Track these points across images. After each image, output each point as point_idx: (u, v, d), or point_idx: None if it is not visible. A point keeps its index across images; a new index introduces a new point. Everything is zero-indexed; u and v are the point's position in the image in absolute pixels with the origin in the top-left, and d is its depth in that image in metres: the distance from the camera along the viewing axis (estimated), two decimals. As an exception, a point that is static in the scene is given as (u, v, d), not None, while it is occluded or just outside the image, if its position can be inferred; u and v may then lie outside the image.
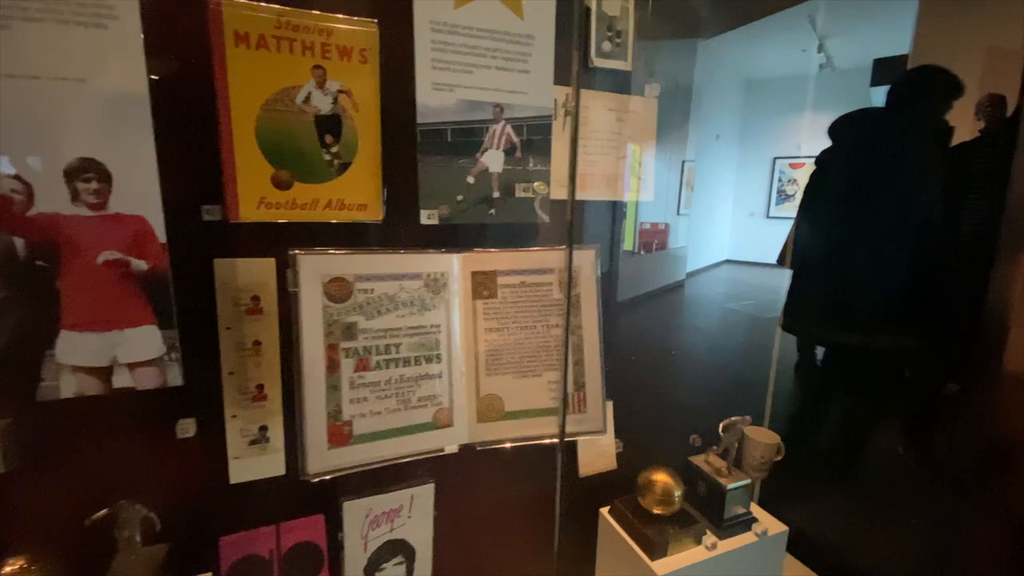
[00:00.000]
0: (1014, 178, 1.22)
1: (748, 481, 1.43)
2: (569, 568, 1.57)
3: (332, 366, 1.00)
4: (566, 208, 1.31)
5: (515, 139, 1.14)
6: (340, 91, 1.00)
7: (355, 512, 1.16)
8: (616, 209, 1.49)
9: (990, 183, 1.34)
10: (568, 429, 1.18)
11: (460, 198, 1.11)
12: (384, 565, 1.21)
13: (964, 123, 1.59)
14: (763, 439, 1.49)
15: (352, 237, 1.07)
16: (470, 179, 1.11)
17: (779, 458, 1.51)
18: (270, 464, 1.10)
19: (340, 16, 0.98)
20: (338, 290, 1.01)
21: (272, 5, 0.93)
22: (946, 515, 1.52)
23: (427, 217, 1.08)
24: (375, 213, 1.07)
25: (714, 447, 1.48)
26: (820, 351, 2.22)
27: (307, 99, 0.98)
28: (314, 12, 0.96)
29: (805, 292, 1.97)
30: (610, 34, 1.28)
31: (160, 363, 0.92)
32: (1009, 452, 1.34)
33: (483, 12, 1.06)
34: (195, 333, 0.99)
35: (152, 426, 1.00)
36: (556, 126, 1.19)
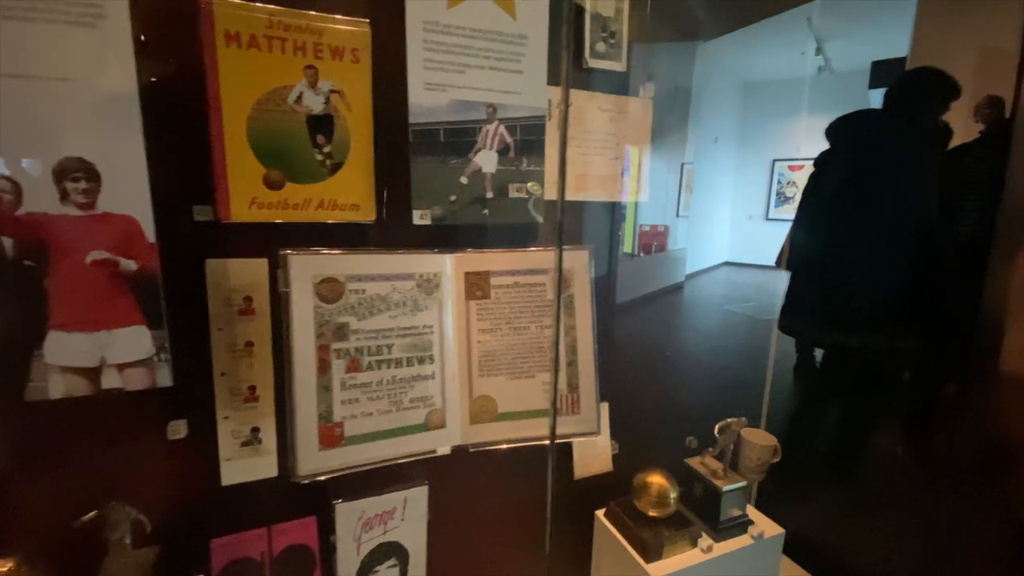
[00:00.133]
0: (1009, 180, 1.22)
1: (744, 483, 1.42)
2: (565, 570, 1.56)
3: (323, 367, 0.99)
4: (559, 209, 1.30)
5: (508, 139, 1.13)
6: (332, 91, 0.99)
7: (348, 514, 1.16)
8: (615, 211, 1.48)
9: (988, 185, 1.34)
10: (561, 431, 1.17)
11: (453, 198, 1.11)
12: (377, 568, 1.20)
13: (964, 125, 1.59)
14: (759, 441, 1.48)
15: (345, 237, 1.07)
16: (463, 179, 1.11)
17: (776, 460, 1.50)
18: (262, 466, 1.09)
19: (332, 16, 0.97)
20: (329, 290, 1.00)
21: (264, 5, 0.93)
22: (945, 516, 1.51)
23: (420, 217, 1.08)
24: (368, 213, 1.06)
25: (710, 449, 1.48)
26: (819, 353, 2.21)
27: (299, 99, 0.97)
28: (306, 12, 0.95)
29: (802, 293, 1.97)
30: (604, 35, 1.28)
31: (149, 364, 0.91)
32: (1008, 453, 1.33)
33: (476, 12, 1.06)
34: (186, 334, 0.98)
35: (142, 427, 1.00)
36: (550, 127, 1.18)
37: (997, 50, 1.56)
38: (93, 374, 0.88)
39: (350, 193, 1.04)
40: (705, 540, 1.36)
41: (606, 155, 1.39)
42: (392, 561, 1.22)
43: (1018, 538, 1.29)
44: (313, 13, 0.96)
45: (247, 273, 1.03)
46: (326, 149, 1.01)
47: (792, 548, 1.59)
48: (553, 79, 1.17)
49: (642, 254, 4.58)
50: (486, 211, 1.14)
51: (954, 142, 1.64)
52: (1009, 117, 1.36)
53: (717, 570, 1.34)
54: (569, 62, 1.19)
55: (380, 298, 1.05)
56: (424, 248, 1.11)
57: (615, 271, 1.52)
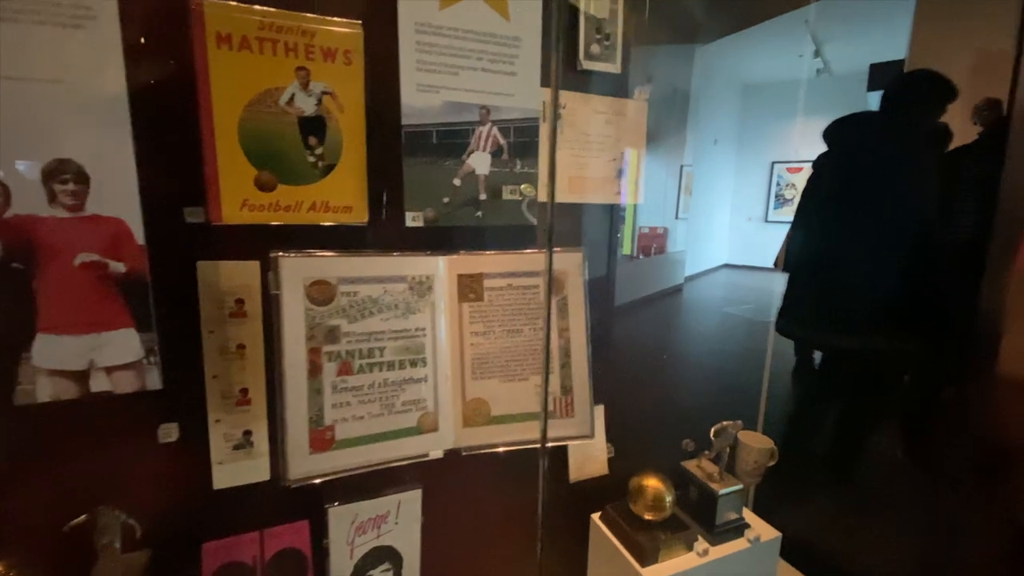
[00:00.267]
0: (1005, 181, 1.22)
1: (740, 487, 1.41)
2: (560, 574, 1.55)
3: (314, 370, 0.99)
4: (556, 211, 1.30)
5: (502, 141, 1.13)
6: (324, 92, 0.99)
7: (341, 518, 1.15)
8: (614, 213, 1.48)
9: (985, 187, 1.33)
10: (554, 434, 1.16)
11: (446, 200, 1.10)
12: (371, 572, 1.20)
13: (963, 127, 1.59)
14: (756, 444, 1.47)
15: (337, 239, 1.06)
16: (456, 181, 1.11)
17: (772, 463, 1.49)
18: (254, 469, 1.09)
19: (324, 17, 0.97)
20: (320, 293, 1.00)
21: (255, 6, 0.92)
22: (943, 518, 1.50)
23: (412, 219, 1.08)
24: (360, 215, 1.06)
25: (706, 452, 1.47)
26: (818, 355, 2.21)
27: (291, 100, 0.97)
28: (298, 13, 0.95)
29: (800, 296, 1.97)
30: (598, 36, 1.28)
31: (138, 367, 0.91)
32: (1006, 454, 1.33)
33: (469, 14, 1.05)
34: (177, 337, 0.98)
35: (132, 430, 0.99)
36: (544, 128, 1.18)
37: (994, 52, 1.56)
38: (81, 377, 0.87)
39: (342, 195, 1.03)
40: (701, 544, 1.35)
41: (602, 157, 1.38)
42: (386, 565, 1.22)
43: (1017, 540, 1.29)
44: (305, 15, 0.96)
45: (239, 275, 1.02)
46: (318, 151, 1.00)
47: (790, 551, 1.58)
48: (547, 81, 1.17)
49: (641, 256, 4.59)
50: (479, 213, 1.14)
51: (954, 144, 1.63)
52: (1005, 119, 1.35)
53: (713, 574, 1.34)
54: (558, 64, 1.19)
55: (372, 300, 1.04)
56: (417, 250, 1.11)
57: (614, 273, 1.51)
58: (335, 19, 0.98)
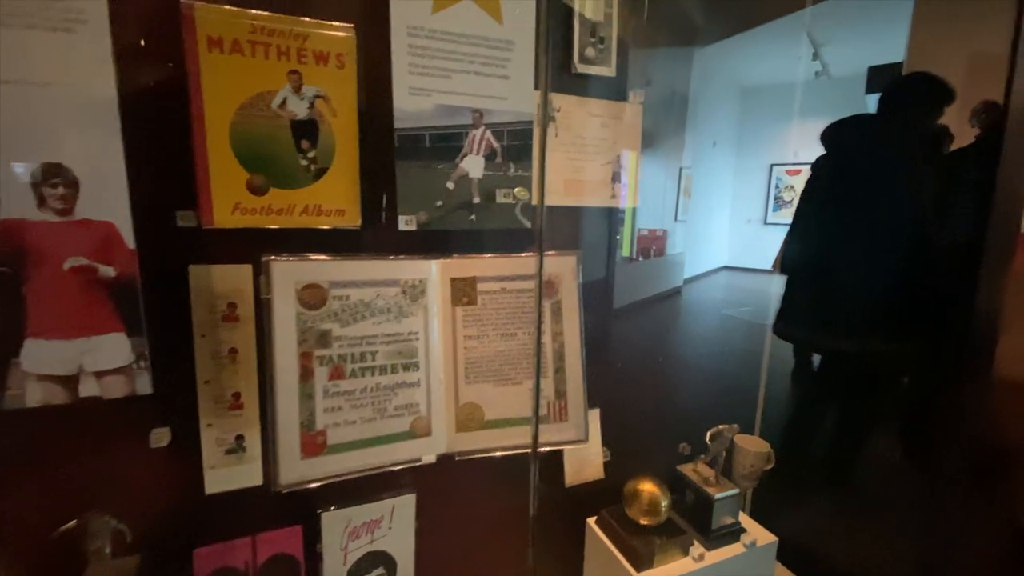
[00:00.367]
0: (1000, 183, 1.22)
1: (737, 491, 1.41)
2: (556, 579, 1.55)
3: (306, 374, 0.98)
4: (553, 214, 1.30)
5: (495, 144, 1.13)
6: (317, 96, 0.99)
7: (334, 523, 1.14)
8: (612, 215, 1.47)
9: (982, 189, 1.33)
10: (548, 438, 1.16)
11: (439, 204, 1.10)
12: (364, 577, 1.19)
13: (962, 130, 1.59)
14: (753, 448, 1.47)
15: (330, 243, 1.06)
16: (450, 184, 1.10)
17: (769, 467, 1.49)
18: (247, 474, 1.08)
19: (316, 21, 0.97)
20: (312, 297, 0.99)
21: (247, 10, 0.92)
22: (942, 521, 1.49)
23: (405, 223, 1.07)
24: (353, 219, 1.05)
25: (702, 456, 1.46)
26: (817, 357, 2.20)
27: (283, 104, 0.97)
28: (290, 17, 0.95)
29: (798, 298, 1.96)
30: (593, 40, 1.27)
31: (128, 371, 0.90)
32: (1004, 456, 1.32)
33: (461, 17, 1.05)
34: (169, 341, 0.97)
35: (123, 435, 0.98)
36: (538, 132, 1.18)
37: (992, 55, 1.55)
38: (71, 382, 0.87)
39: (335, 199, 1.03)
40: (697, 548, 1.34)
41: (597, 160, 1.38)
42: (380, 570, 1.21)
43: (1016, 541, 1.28)
44: (297, 18, 0.95)
45: (231, 279, 1.02)
46: (311, 154, 1.00)
47: (787, 555, 1.57)
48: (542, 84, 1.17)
49: (640, 258, 4.58)
50: (473, 216, 1.13)
51: (954, 146, 1.63)
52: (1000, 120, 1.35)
53: (709, 579, 1.33)
54: (547, 66, 1.19)
55: (364, 304, 1.04)
56: (410, 254, 1.10)
57: (612, 276, 1.51)
58: (327, 22, 0.98)
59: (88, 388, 0.88)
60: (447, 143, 1.09)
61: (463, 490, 1.32)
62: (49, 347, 0.84)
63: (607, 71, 1.31)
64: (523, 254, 1.18)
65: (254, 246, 1.00)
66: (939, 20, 1.81)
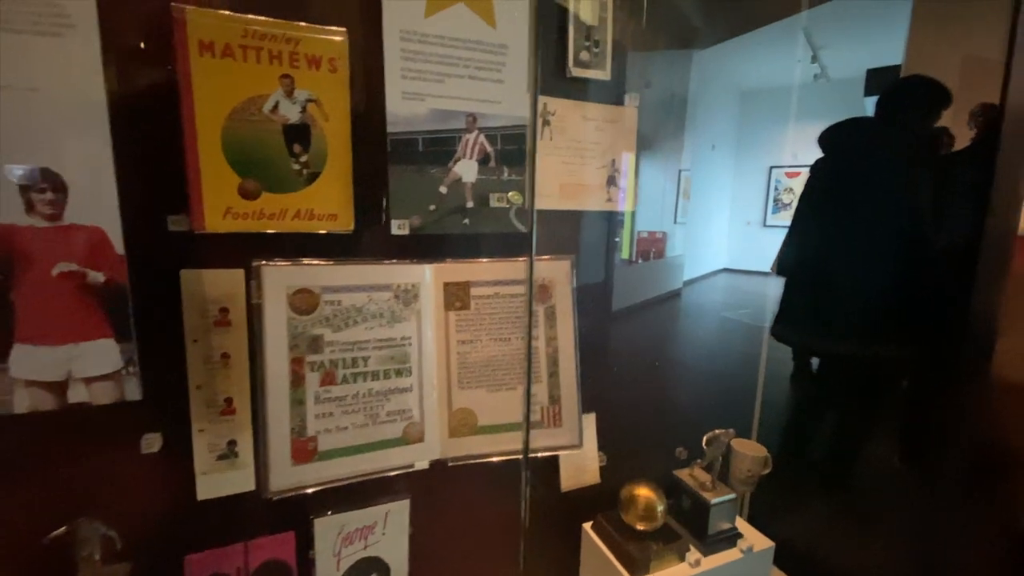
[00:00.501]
0: (996, 185, 1.21)
1: (733, 496, 1.40)
2: (552, 585, 1.54)
3: (296, 380, 0.98)
4: (550, 217, 1.29)
5: (489, 149, 1.12)
6: (309, 100, 0.98)
7: (327, 529, 1.14)
8: (611, 219, 1.47)
9: (979, 191, 1.33)
10: (542, 444, 1.15)
11: (433, 208, 1.09)
12: (358, 583, 1.18)
13: (960, 132, 1.58)
14: (750, 452, 1.46)
15: (323, 248, 1.06)
16: (443, 189, 1.10)
17: (767, 471, 1.48)
18: (239, 479, 1.07)
19: (309, 25, 0.97)
20: (303, 302, 0.99)
21: (238, 14, 0.92)
22: (940, 524, 1.48)
23: (398, 227, 1.07)
24: (346, 223, 1.05)
25: (699, 460, 1.45)
26: (816, 360, 2.19)
27: (275, 108, 0.96)
28: (282, 21, 0.95)
29: (796, 300, 1.96)
30: (588, 43, 1.27)
31: (117, 377, 0.89)
32: (1002, 458, 1.31)
33: (454, 21, 1.05)
34: (160, 346, 0.97)
35: (112, 441, 0.98)
36: (529, 135, 1.17)
37: (989, 58, 1.55)
38: (59, 388, 0.86)
39: (327, 203, 1.03)
40: (693, 554, 1.33)
41: (592, 164, 1.38)
42: (373, 577, 1.20)
43: (1015, 544, 1.27)
44: (289, 22, 0.95)
45: (223, 284, 1.01)
46: (303, 159, 1.00)
47: (785, 561, 1.56)
48: (536, 88, 1.16)
49: (640, 261, 4.57)
50: (466, 221, 1.13)
51: (954, 148, 1.63)
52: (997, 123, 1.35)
53: (706, 585, 1.32)
54: (538, 70, 1.18)
55: (356, 309, 1.03)
56: (402, 258, 1.10)
57: (611, 278, 1.50)
58: (320, 26, 0.97)
59: (77, 394, 0.88)
60: (440, 147, 1.08)
61: (457, 496, 1.32)
62: (37, 353, 0.84)
63: (602, 75, 1.31)
64: (517, 258, 1.18)
65: (246, 250, 1.00)
66: (937, 23, 1.81)
